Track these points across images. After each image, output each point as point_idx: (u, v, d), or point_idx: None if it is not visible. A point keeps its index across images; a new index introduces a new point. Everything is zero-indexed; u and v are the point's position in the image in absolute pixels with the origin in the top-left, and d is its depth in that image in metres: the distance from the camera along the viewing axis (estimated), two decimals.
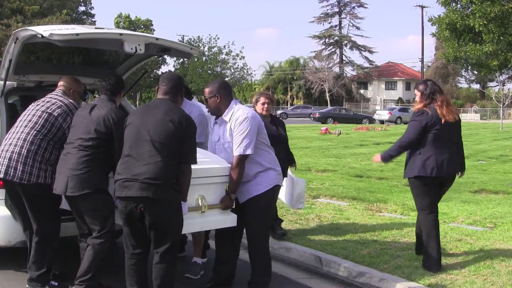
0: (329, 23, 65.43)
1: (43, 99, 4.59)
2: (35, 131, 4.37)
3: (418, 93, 5.23)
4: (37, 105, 4.53)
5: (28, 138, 4.35)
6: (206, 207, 4.08)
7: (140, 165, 3.73)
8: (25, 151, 4.32)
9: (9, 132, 4.52)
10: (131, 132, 3.87)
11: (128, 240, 3.95)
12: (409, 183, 5.26)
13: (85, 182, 4.05)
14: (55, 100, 4.53)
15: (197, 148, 3.98)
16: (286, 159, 6.11)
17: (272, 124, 6.02)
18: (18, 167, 4.28)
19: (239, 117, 4.28)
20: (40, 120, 4.41)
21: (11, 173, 4.29)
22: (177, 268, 3.99)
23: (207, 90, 4.40)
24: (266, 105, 5.99)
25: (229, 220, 4.28)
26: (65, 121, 4.43)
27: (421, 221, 5.18)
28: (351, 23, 65.27)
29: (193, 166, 3.90)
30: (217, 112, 4.41)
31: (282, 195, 6.27)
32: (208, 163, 4.19)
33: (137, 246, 3.94)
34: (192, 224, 4.03)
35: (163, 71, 54.34)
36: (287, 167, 6.19)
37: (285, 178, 6.12)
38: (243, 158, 4.23)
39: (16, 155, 4.31)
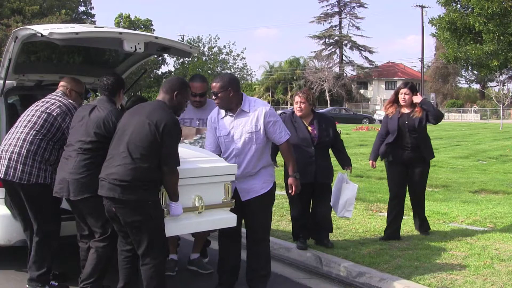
0: (329, 23, 65.46)
1: (42, 99, 4.58)
2: (35, 131, 4.36)
3: (409, 95, 6.11)
4: (37, 105, 4.53)
5: (27, 138, 4.34)
6: (203, 207, 4.01)
7: (113, 165, 3.75)
8: (25, 151, 4.31)
9: (9, 132, 4.51)
10: (117, 132, 3.91)
11: (119, 237, 4.00)
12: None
13: (86, 186, 4.03)
14: (54, 100, 4.53)
15: (195, 147, 3.95)
16: (327, 164, 5.62)
17: (309, 124, 5.51)
18: (18, 167, 4.28)
19: (264, 106, 4.33)
20: (39, 120, 4.40)
21: (11, 173, 4.28)
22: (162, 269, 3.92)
23: (217, 85, 4.29)
24: (299, 105, 5.48)
25: (228, 220, 4.20)
26: (64, 121, 4.42)
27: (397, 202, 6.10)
28: (351, 23, 65.33)
29: (189, 166, 3.88)
30: (229, 105, 4.34)
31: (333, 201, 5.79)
32: (205, 162, 4.11)
33: (126, 243, 3.96)
34: (188, 224, 3.99)
35: (163, 71, 54.50)
36: (328, 174, 5.62)
37: (335, 183, 5.75)
38: (289, 141, 4.39)
39: (15, 155, 4.30)
